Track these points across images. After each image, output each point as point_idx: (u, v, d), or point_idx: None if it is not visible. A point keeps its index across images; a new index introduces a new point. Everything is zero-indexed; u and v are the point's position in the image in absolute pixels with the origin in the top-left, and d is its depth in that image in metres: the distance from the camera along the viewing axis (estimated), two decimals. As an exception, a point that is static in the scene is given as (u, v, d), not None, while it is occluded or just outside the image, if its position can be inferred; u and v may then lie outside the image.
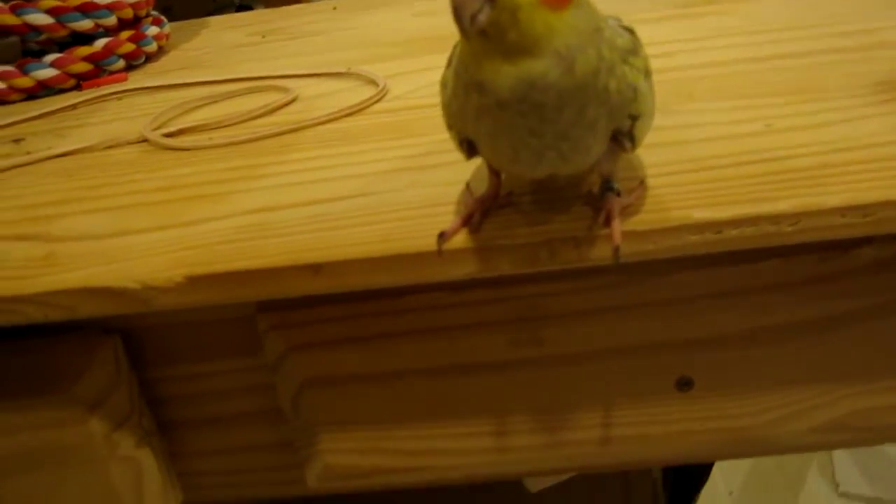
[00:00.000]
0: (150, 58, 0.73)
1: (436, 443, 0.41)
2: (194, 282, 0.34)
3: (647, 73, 0.33)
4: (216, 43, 0.77)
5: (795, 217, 0.32)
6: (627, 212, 0.33)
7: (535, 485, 0.72)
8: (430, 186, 0.39)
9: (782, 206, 0.33)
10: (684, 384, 0.40)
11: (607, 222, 0.33)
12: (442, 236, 0.33)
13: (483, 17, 0.27)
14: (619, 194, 0.33)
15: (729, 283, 0.38)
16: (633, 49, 0.32)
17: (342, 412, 0.41)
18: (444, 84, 0.33)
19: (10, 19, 0.65)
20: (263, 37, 0.75)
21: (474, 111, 0.30)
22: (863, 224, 0.32)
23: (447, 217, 0.35)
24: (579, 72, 0.28)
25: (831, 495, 1.19)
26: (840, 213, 0.32)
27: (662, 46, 0.54)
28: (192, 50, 0.75)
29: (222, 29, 0.83)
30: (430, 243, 0.33)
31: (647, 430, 0.41)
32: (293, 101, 0.55)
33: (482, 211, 0.34)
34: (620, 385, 0.40)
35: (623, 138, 0.32)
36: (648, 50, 0.34)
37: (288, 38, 0.74)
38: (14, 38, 0.69)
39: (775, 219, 0.32)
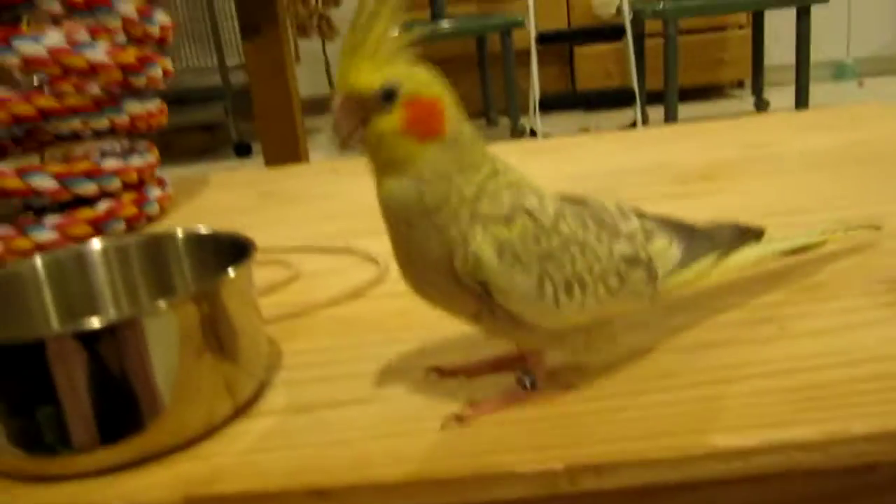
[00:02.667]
0: (151, 219, 0.73)
1: None
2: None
3: (510, 251, 0.32)
4: (216, 204, 0.77)
5: (824, 445, 0.31)
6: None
7: None
8: (439, 393, 0.38)
9: (809, 432, 0.31)
10: None
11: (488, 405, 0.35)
12: (435, 370, 0.38)
13: (357, 137, 0.32)
14: (525, 387, 0.36)
15: (751, 498, 0.36)
16: (504, 219, 0.33)
17: None
18: None
19: (15, 183, 0.65)
20: (263, 200, 0.75)
21: None
22: (893, 451, 0.31)
23: (460, 430, 0.34)
24: (427, 199, 0.32)
25: None
26: (867, 440, 0.31)
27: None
28: (193, 211, 0.76)
29: (222, 188, 0.84)
30: (450, 467, 0.32)
31: None
32: (295, 278, 0.54)
33: (494, 365, 0.38)
34: None
35: (487, 310, 0.34)
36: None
37: (287, 202, 0.75)
38: (16, 200, 0.70)
39: (804, 447, 0.31)
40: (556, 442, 0.33)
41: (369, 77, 0.31)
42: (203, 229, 0.44)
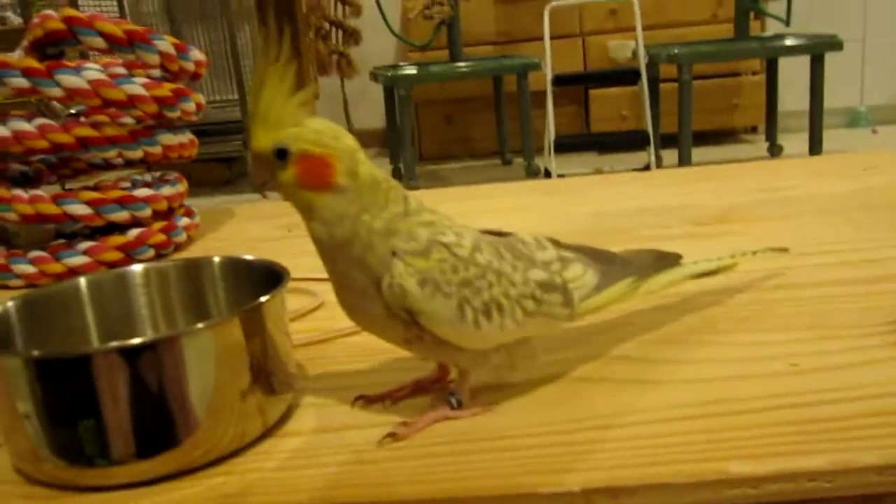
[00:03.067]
0: (178, 247, 0.75)
1: None
2: (224, 514, 0.33)
3: (431, 280, 0.37)
4: (242, 235, 0.80)
5: (832, 475, 0.32)
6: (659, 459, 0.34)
7: None
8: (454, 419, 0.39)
9: (819, 461, 0.33)
10: None
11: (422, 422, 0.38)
12: (361, 398, 0.41)
13: (268, 186, 0.37)
14: (452, 406, 0.39)
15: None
16: (422, 252, 0.37)
17: None
18: None
19: (51, 209, 0.68)
20: (289, 231, 0.77)
21: None
22: (900, 483, 0.33)
23: (481, 453, 0.35)
24: (337, 236, 0.36)
25: None
26: (876, 471, 0.33)
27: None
28: (219, 241, 0.78)
29: (248, 220, 0.86)
30: (472, 487, 0.33)
31: None
32: (320, 306, 0.56)
33: (413, 388, 0.42)
34: None
35: (415, 335, 0.38)
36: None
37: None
38: (50, 226, 0.72)
39: (813, 475, 0.32)
40: (573, 466, 0.34)
41: (263, 140, 0.36)
42: (239, 256, 0.46)
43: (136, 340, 0.36)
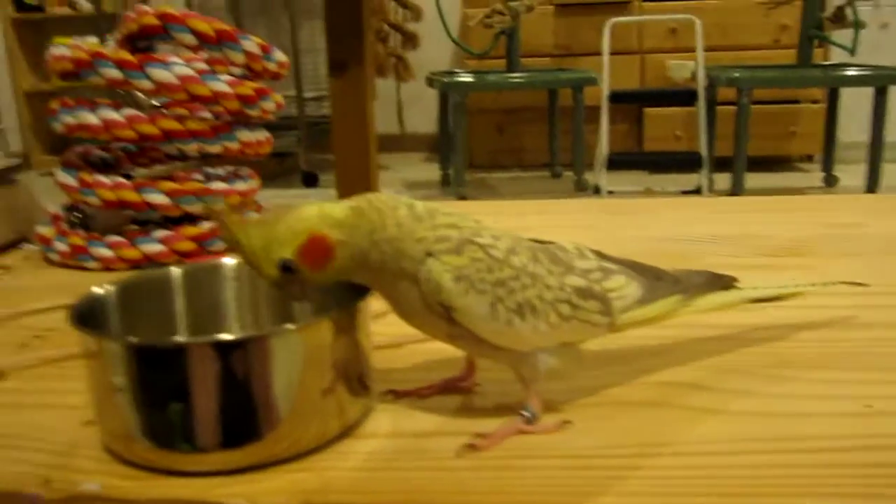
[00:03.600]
0: (247, 241, 0.77)
1: None
2: (307, 509, 0.35)
3: (466, 277, 0.38)
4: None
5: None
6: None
7: None
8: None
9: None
10: None
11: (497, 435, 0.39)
12: (391, 392, 0.44)
13: (310, 294, 0.40)
14: (528, 421, 0.40)
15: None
16: (454, 250, 0.39)
17: None
18: None
19: (132, 196, 0.70)
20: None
21: None
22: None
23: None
24: (373, 269, 0.39)
25: None
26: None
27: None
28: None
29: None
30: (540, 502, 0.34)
31: None
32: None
33: (441, 387, 0.44)
34: None
35: (457, 331, 0.40)
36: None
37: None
38: (128, 212, 0.74)
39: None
40: (648, 490, 0.35)
41: (270, 271, 0.39)
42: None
43: (232, 336, 0.37)
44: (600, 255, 0.44)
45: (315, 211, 0.39)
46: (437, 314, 0.39)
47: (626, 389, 0.44)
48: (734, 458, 0.37)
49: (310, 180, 2.96)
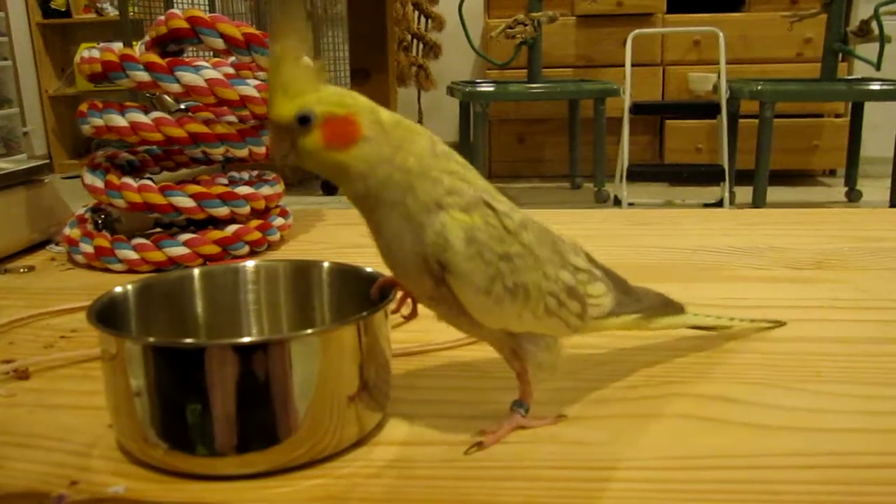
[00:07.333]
0: (271, 246, 0.77)
1: None
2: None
3: (476, 242, 0.36)
4: (333, 239, 0.81)
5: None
6: None
7: None
8: (543, 441, 0.39)
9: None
10: None
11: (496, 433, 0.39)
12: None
13: (292, 159, 0.37)
14: (523, 414, 0.40)
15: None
16: (465, 208, 0.37)
17: None
18: None
19: (158, 199, 0.70)
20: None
21: None
22: None
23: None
24: (372, 185, 0.36)
25: None
26: None
27: (778, 311, 0.55)
28: (310, 243, 0.80)
29: (338, 224, 0.88)
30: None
31: None
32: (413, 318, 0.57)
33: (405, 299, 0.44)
34: None
35: (440, 295, 0.38)
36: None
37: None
38: (153, 215, 0.75)
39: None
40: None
41: (285, 109, 0.36)
42: (348, 264, 0.47)
43: (253, 339, 0.37)
44: (589, 258, 0.43)
45: (367, 102, 0.37)
46: (427, 270, 0.37)
47: (653, 404, 0.44)
48: (776, 472, 0.36)
49: (329, 188, 2.97)
